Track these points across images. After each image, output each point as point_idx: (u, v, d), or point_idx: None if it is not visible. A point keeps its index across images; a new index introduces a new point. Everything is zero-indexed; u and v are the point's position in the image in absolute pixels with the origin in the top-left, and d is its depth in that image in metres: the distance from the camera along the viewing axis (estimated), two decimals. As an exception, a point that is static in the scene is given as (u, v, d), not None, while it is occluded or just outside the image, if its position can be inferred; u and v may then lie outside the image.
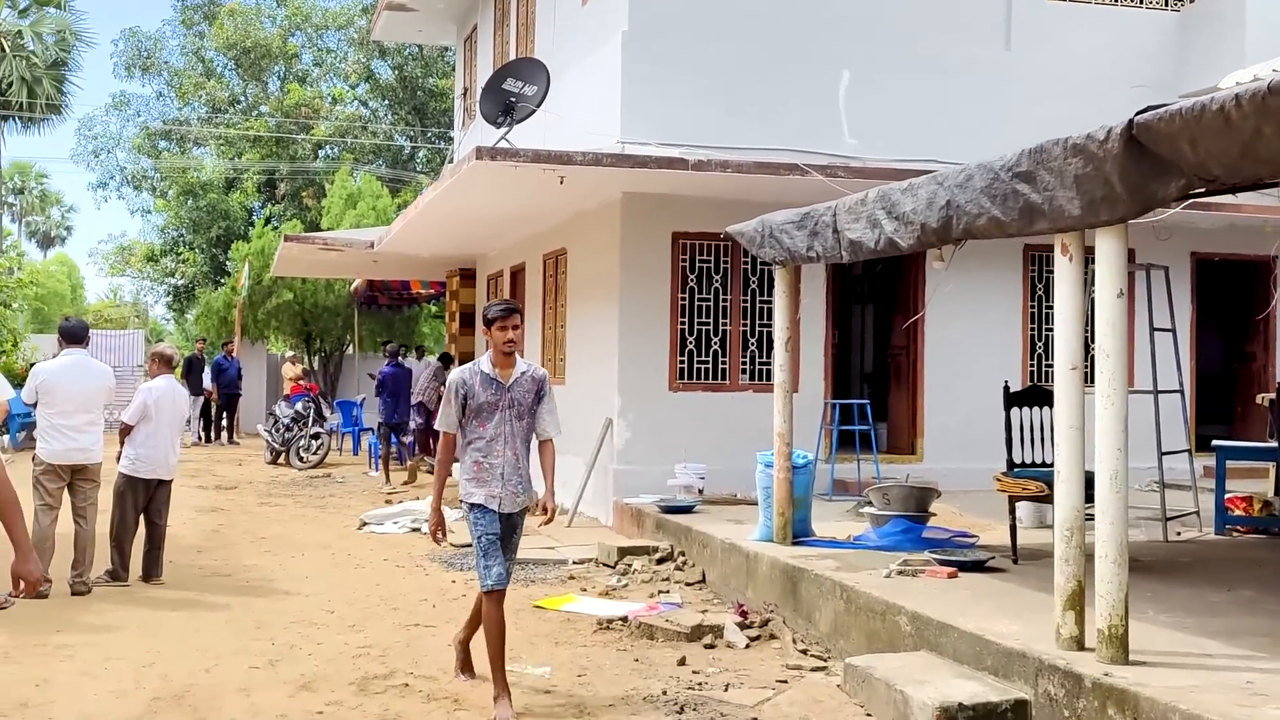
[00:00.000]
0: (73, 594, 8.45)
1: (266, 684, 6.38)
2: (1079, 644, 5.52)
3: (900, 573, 7.52)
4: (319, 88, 37.14)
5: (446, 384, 6.21)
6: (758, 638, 7.57)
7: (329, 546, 11.12)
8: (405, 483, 16.12)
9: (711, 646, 7.39)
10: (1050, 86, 13.00)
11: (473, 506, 6.13)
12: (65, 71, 35.85)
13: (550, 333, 14.51)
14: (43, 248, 72.72)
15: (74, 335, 8.81)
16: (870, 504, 9.39)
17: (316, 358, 29.48)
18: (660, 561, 9.89)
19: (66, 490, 8.74)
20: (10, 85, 34.22)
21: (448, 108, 33.43)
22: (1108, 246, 5.34)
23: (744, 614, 7.96)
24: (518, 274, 16.44)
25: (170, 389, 9.08)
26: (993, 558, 7.83)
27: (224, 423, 24.21)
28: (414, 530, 12.12)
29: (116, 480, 8.97)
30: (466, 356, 19.84)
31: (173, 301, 39.10)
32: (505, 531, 6.18)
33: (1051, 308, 13.41)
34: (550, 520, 6.20)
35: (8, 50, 34.44)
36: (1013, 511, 8.19)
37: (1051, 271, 13.44)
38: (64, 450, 8.56)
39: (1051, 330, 13.37)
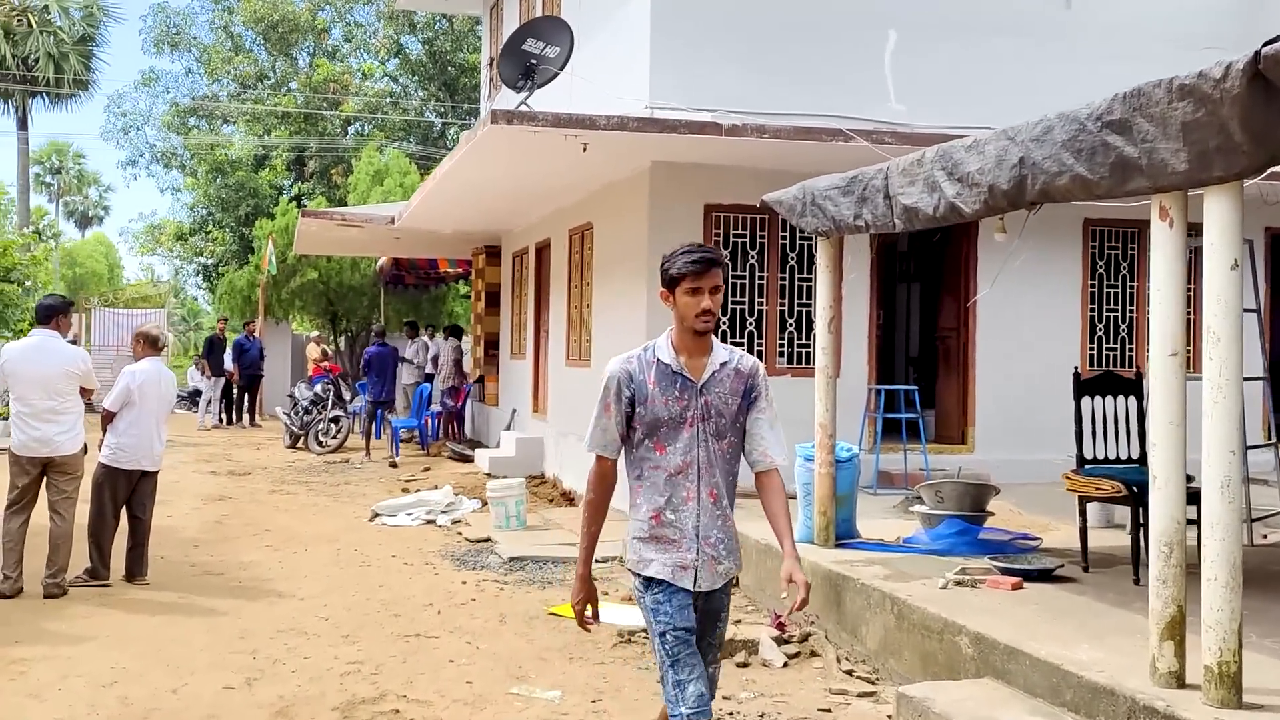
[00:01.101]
0: (45, 596, 7.72)
1: (239, 709, 5.62)
2: (1179, 680, 4.67)
3: (958, 583, 6.67)
4: (348, 63, 36.43)
5: (605, 382, 4.00)
6: (797, 655, 6.75)
7: (335, 541, 10.39)
8: (425, 470, 15.37)
9: (745, 665, 6.58)
10: (1113, 48, 12.00)
11: (650, 583, 3.95)
12: (92, 47, 35.42)
13: (575, 312, 13.70)
14: (80, 227, 72.71)
15: (41, 314, 8.03)
16: (921, 501, 8.55)
17: (342, 338, 28.82)
18: (690, 561, 9.08)
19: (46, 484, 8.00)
20: (37, 61, 33.80)
21: (479, 83, 32.63)
22: (1221, 208, 4.45)
23: (781, 626, 7.14)
24: (543, 251, 15.64)
25: (155, 372, 8.32)
26: (1061, 565, 6.97)
27: (245, 405, 23.58)
28: (428, 523, 11.39)
29: (95, 471, 8.21)
30: (492, 338, 19.07)
31: (203, 281, 38.58)
32: (702, 621, 4.02)
33: (1114, 286, 12.57)
34: (805, 603, 3.93)
35: (34, 25, 34.02)
36: (1083, 513, 7.30)
37: (1115, 247, 12.60)
38: (24, 441, 7.78)
39: (1113, 311, 12.53)
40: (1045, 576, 6.82)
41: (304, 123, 34.25)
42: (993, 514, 8.39)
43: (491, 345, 19.03)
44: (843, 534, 7.97)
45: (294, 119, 34.23)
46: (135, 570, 8.31)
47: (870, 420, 11.40)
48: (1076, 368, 7.74)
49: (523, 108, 10.51)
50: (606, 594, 8.30)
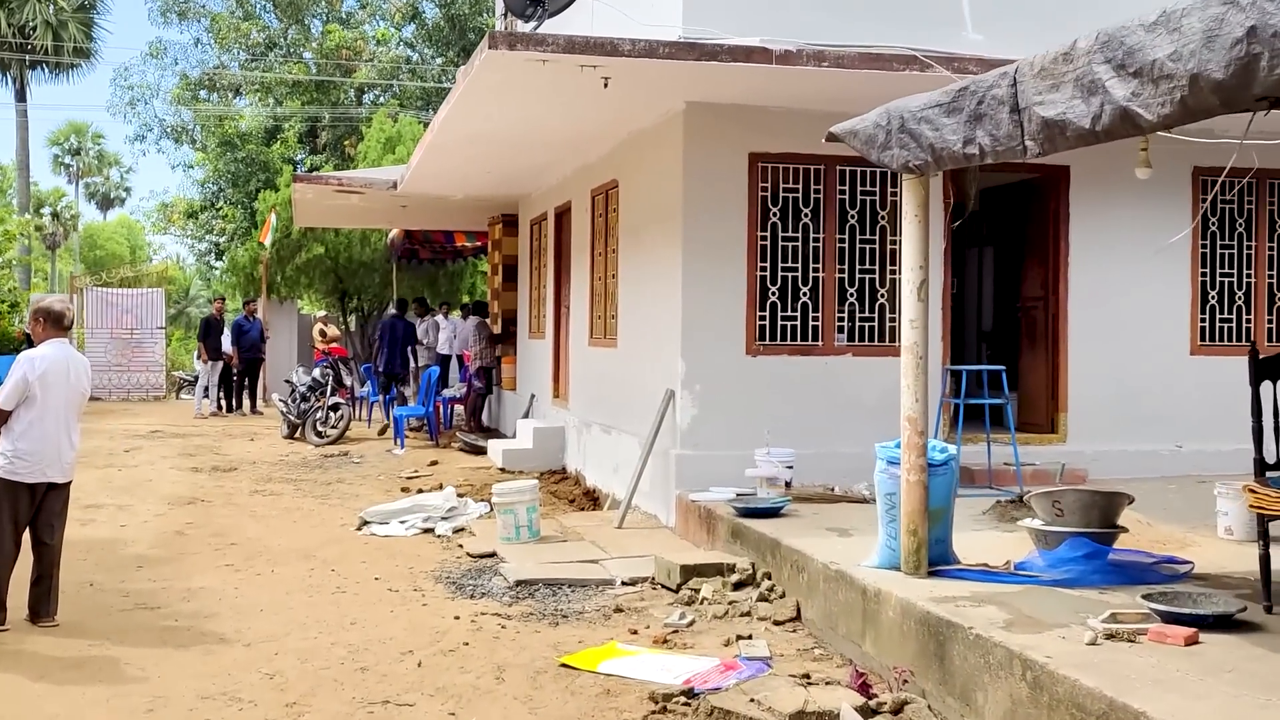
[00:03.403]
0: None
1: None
2: None
3: (1109, 635, 4.91)
4: (362, 30, 34.70)
5: None
6: (890, 731, 5.01)
7: (312, 557, 8.70)
8: (431, 464, 13.67)
9: (822, 749, 4.85)
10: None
11: None
12: (94, 15, 33.86)
13: (600, 284, 11.95)
14: (102, 209, 71.59)
15: None
16: (1027, 510, 6.81)
17: (353, 317, 27.15)
18: (738, 586, 7.35)
19: None
20: (35, 29, 32.27)
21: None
22: None
23: (865, 687, 5.40)
24: (563, 215, 13.90)
25: (62, 359, 6.58)
26: (1244, 608, 5.19)
27: (245, 390, 21.91)
28: (425, 532, 9.71)
29: (-14, 486, 6.52)
30: (511, 316, 17.35)
31: (216, 260, 37.00)
32: None
33: (1229, 246, 10.73)
34: None
35: (31, -8, 32.47)
36: (1265, 536, 5.51)
37: (1229, 201, 10.72)
38: None
39: (1228, 276, 10.68)
40: (1225, 623, 5.05)
41: (316, 92, 32.59)
42: (1125, 530, 6.61)
43: (510, 324, 17.32)
44: (936, 558, 6.22)
45: (306, 89, 32.56)
46: (40, 609, 6.59)
47: (946, 407, 9.64)
48: (1254, 345, 5.90)
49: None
50: (635, 632, 6.60)
